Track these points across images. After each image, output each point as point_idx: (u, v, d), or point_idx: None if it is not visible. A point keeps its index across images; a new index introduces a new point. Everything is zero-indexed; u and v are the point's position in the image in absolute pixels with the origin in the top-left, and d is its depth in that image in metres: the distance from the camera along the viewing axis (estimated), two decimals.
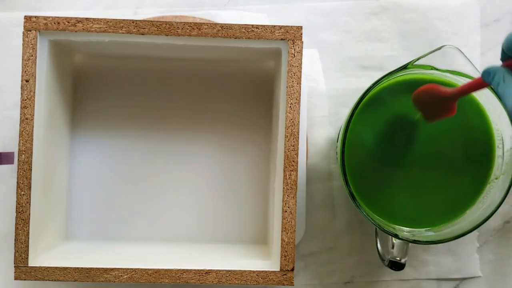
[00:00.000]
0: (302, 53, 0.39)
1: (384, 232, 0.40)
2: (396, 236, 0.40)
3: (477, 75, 0.38)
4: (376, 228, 0.41)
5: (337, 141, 0.45)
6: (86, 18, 0.39)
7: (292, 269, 0.39)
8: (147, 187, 0.46)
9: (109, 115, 0.46)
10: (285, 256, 0.39)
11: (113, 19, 0.39)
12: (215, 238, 0.46)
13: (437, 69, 0.39)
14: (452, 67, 0.39)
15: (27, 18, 0.39)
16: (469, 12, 0.48)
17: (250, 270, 0.40)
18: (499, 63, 0.32)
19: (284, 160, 0.39)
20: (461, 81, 0.40)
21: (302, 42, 0.39)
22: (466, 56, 0.38)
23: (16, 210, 0.39)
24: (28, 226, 0.39)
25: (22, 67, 0.39)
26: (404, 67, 0.38)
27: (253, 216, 0.46)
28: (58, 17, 0.39)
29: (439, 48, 0.38)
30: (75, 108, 0.46)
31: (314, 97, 0.48)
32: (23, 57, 0.39)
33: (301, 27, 0.39)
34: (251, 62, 0.47)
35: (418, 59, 0.38)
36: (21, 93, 0.39)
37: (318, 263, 0.47)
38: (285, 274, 0.40)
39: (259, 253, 0.43)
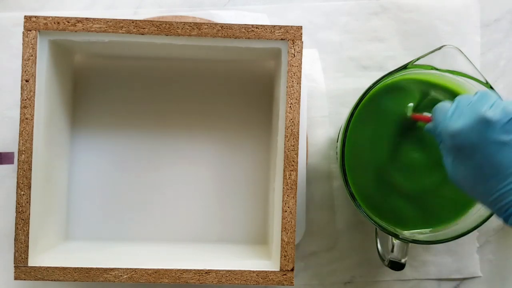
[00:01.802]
0: (302, 53, 0.39)
1: (384, 232, 0.40)
2: (396, 236, 0.40)
3: (477, 75, 0.39)
4: (376, 228, 0.41)
5: (337, 141, 0.45)
6: (86, 18, 0.39)
7: (292, 269, 0.39)
8: (146, 187, 0.46)
9: (109, 115, 0.46)
10: (285, 256, 0.39)
11: (113, 19, 0.39)
12: (215, 238, 0.46)
13: (437, 69, 0.39)
14: (452, 67, 0.39)
15: (27, 18, 0.39)
16: (469, 12, 0.48)
17: (250, 270, 0.40)
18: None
19: (284, 160, 0.39)
20: (461, 81, 0.40)
21: (302, 42, 0.39)
22: (466, 56, 0.38)
23: (16, 210, 0.39)
24: (28, 226, 0.39)
25: (22, 67, 0.39)
26: (404, 67, 0.38)
27: (253, 216, 0.46)
28: (58, 17, 0.39)
29: (439, 48, 0.38)
30: (75, 108, 0.46)
31: (314, 97, 0.48)
32: (23, 57, 0.39)
33: (301, 27, 0.39)
34: (251, 62, 0.47)
35: (418, 59, 0.38)
36: (21, 93, 0.39)
37: (318, 263, 0.47)
38: (285, 274, 0.39)
39: (259, 253, 0.43)
